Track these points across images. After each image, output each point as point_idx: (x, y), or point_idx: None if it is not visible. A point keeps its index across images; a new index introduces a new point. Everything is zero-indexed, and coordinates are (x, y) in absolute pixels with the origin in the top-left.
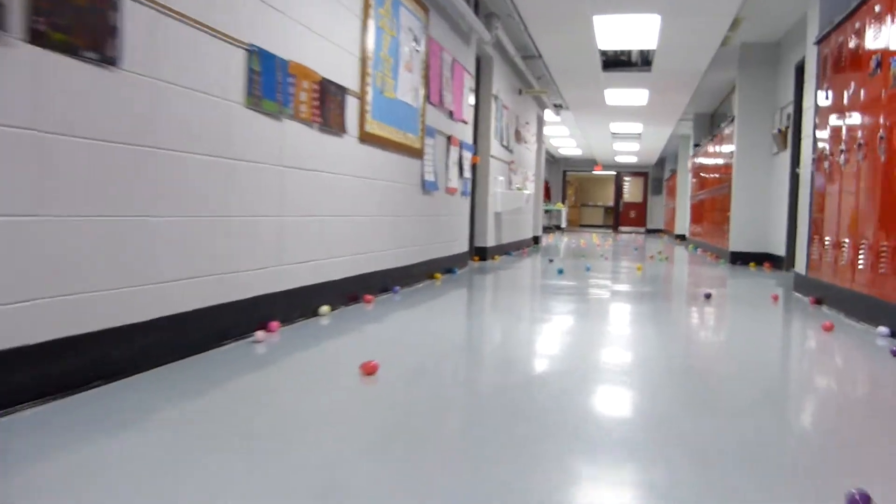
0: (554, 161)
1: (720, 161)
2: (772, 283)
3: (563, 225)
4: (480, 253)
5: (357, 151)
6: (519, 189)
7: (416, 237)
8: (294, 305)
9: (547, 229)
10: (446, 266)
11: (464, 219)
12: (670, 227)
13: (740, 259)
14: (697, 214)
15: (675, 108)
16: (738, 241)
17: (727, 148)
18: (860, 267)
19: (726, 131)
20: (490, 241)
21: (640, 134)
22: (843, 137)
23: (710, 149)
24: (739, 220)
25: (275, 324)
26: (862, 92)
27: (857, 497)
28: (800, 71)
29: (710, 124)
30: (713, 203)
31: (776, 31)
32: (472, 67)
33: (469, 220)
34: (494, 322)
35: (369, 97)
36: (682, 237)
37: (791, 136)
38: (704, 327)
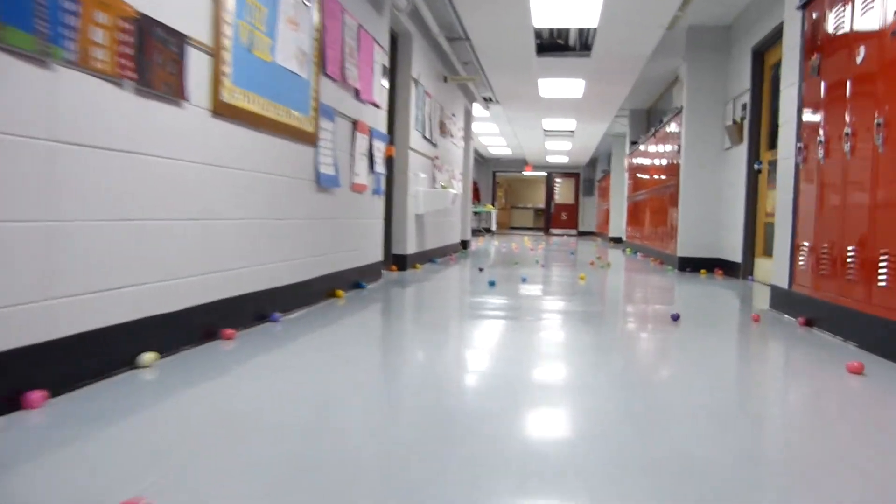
0: (483, 161)
1: (663, 159)
2: (731, 294)
3: (493, 227)
4: (399, 262)
5: (210, 129)
6: (444, 187)
7: (309, 246)
8: (84, 358)
9: (476, 232)
10: (353, 280)
11: (376, 222)
12: (603, 229)
13: (689, 265)
14: (635, 216)
15: (613, 102)
16: (686, 245)
17: (670, 144)
18: (881, 283)
19: (671, 127)
20: (410, 248)
21: (573, 131)
22: (848, 119)
23: (650, 146)
24: (688, 222)
25: (37, 395)
26: (872, 59)
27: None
28: (758, 55)
29: (647, 121)
30: (655, 204)
31: (728, 13)
32: (385, 41)
33: (385, 224)
34: (402, 368)
35: (228, 54)
36: (617, 240)
37: (748, 129)
38: (689, 374)
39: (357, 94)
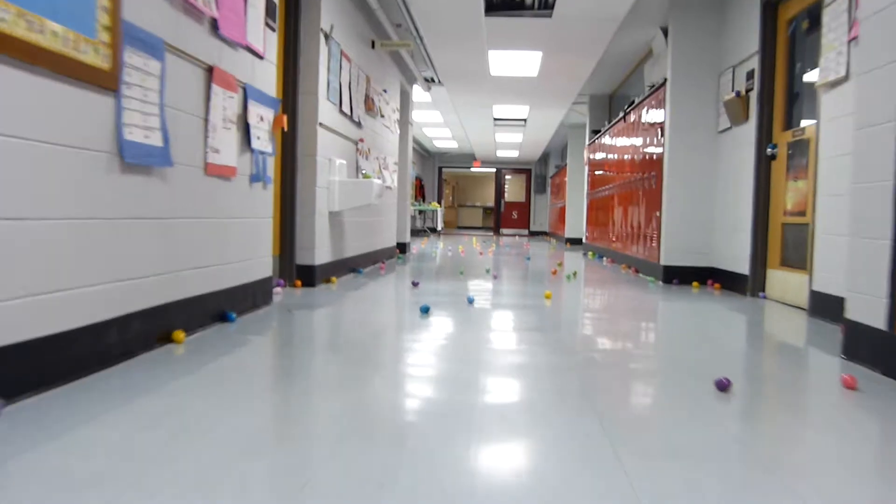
0: (429, 156)
1: (637, 146)
2: (752, 322)
3: (440, 227)
4: (305, 275)
5: None
6: (366, 176)
7: (107, 264)
8: None
9: (420, 233)
10: (217, 310)
11: (260, 222)
12: (558, 229)
13: (676, 276)
14: (598, 215)
15: (573, 81)
16: (672, 251)
17: (648, 128)
18: None
19: (648, 107)
20: (321, 257)
21: (525, 121)
22: None
23: (618, 133)
24: (673, 223)
25: None
26: None
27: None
28: (769, 8)
29: (609, 108)
30: (626, 200)
31: None
32: None
33: (284, 226)
34: None
35: None
36: (575, 241)
37: (757, 103)
38: None
39: (215, 26)
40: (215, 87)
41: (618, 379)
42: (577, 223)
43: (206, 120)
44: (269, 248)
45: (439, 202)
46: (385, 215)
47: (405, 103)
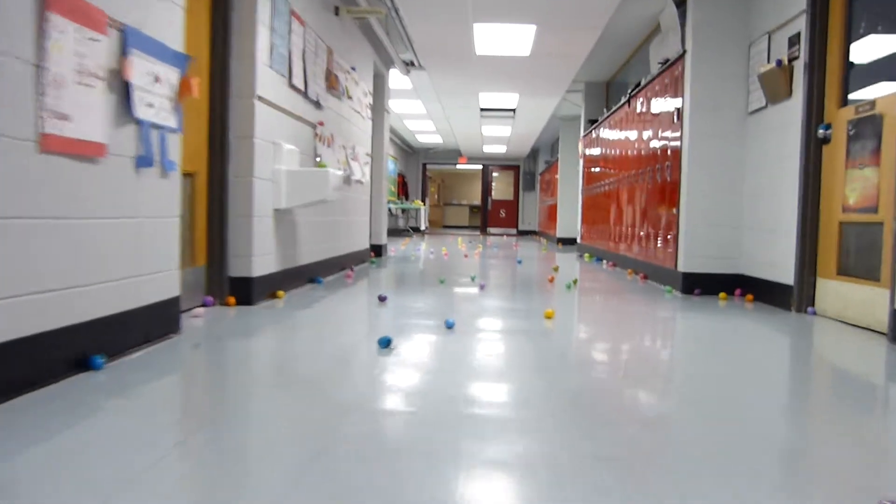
0: (412, 152)
1: (646, 132)
2: (803, 346)
3: (423, 227)
4: (240, 290)
5: None
6: (321, 165)
7: None
8: None
9: (402, 232)
10: (72, 354)
11: (157, 224)
12: (548, 228)
13: (698, 285)
14: (596, 213)
15: (569, 63)
16: (693, 256)
17: (660, 110)
18: None
19: (662, 93)
20: (263, 266)
21: (514, 111)
22: None
23: (621, 119)
24: (695, 222)
25: None
26: None
27: None
28: None
29: (606, 97)
30: (632, 196)
31: None
32: None
33: (210, 227)
34: None
35: None
36: (568, 242)
37: (804, 74)
38: None
39: None
40: (56, 19)
41: (682, 479)
42: (570, 222)
43: (42, 68)
44: (175, 259)
45: (423, 200)
46: (354, 214)
47: (380, 88)
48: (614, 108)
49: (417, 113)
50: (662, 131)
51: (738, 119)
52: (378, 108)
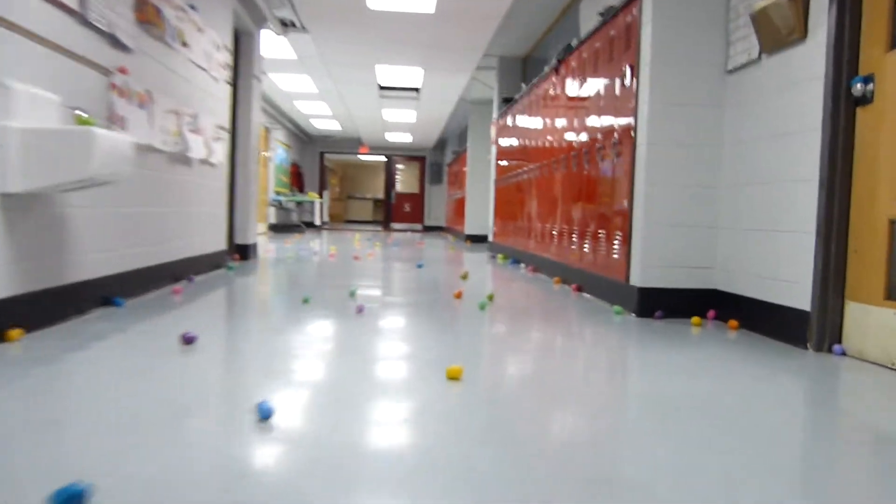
0: (308, 140)
1: (579, 104)
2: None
3: (318, 221)
4: None
5: None
6: (82, 121)
7: None
8: None
9: (294, 228)
10: None
11: None
12: (456, 223)
13: (660, 304)
14: (511, 208)
15: (481, 26)
16: (652, 265)
17: (603, 73)
18: None
19: (606, 51)
20: None
21: (418, 91)
22: None
23: (543, 96)
24: (654, 219)
25: None
26: None
27: None
28: None
29: (524, 74)
30: (561, 186)
31: None
32: None
33: None
34: None
35: None
36: (478, 239)
37: (834, 3)
38: None
39: None
40: None
41: None
42: (479, 218)
43: None
44: None
45: (321, 193)
46: (199, 205)
47: (247, 49)
48: (537, 79)
49: (308, 92)
50: (606, 102)
51: (713, 80)
52: (245, 73)
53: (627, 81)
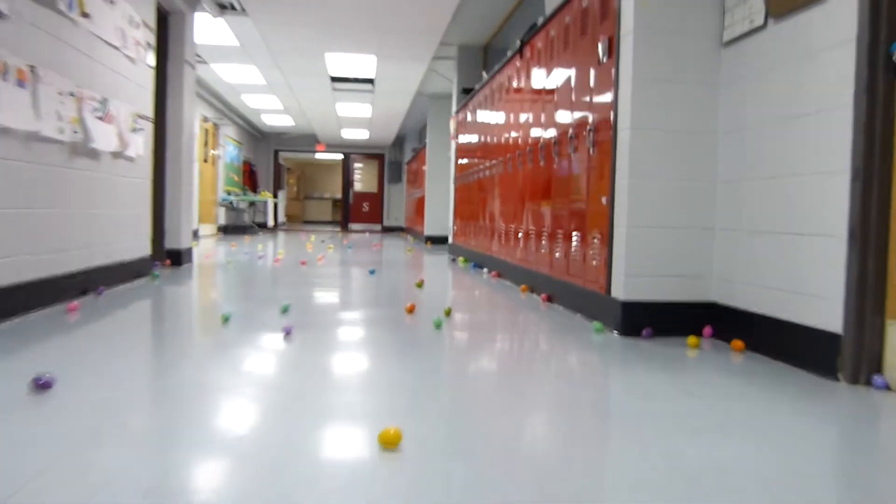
0: (261, 137)
1: (547, 87)
2: None
3: (271, 223)
4: None
5: None
6: None
7: None
8: None
9: (246, 229)
10: None
11: None
12: (415, 223)
13: (648, 319)
14: (472, 207)
15: (439, 7)
16: (637, 273)
17: (569, 58)
18: None
19: (580, 25)
20: None
21: (372, 82)
22: None
23: (506, 84)
24: (639, 219)
25: None
26: None
27: None
28: None
29: (484, 63)
30: (521, 183)
31: None
32: None
33: None
34: None
35: None
36: (437, 240)
37: None
38: None
39: None
40: None
41: None
42: (439, 218)
43: None
44: None
45: (275, 193)
46: (110, 205)
47: (177, 30)
48: (499, 66)
49: (255, 83)
50: (579, 84)
51: (706, 53)
52: (175, 57)
53: (604, 57)
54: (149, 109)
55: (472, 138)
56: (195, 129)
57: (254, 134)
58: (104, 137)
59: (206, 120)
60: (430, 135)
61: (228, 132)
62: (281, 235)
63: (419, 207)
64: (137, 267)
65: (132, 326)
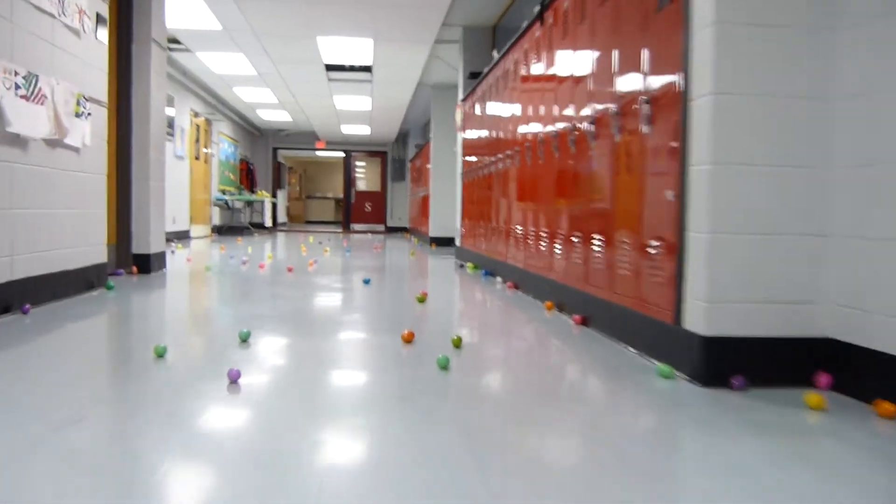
0: (259, 134)
1: (580, 58)
2: None
3: (270, 223)
4: None
5: None
6: None
7: None
8: None
9: (240, 230)
10: None
11: None
12: (420, 224)
13: (739, 363)
14: (483, 206)
15: None
16: (725, 298)
17: (610, 14)
18: None
19: None
20: None
21: (370, 70)
22: None
23: (528, 50)
24: (726, 222)
25: None
26: None
27: None
28: None
29: (493, 44)
30: (546, 176)
31: None
32: None
33: None
34: None
35: None
36: (444, 242)
37: None
38: None
39: None
40: None
41: None
42: (446, 218)
43: None
44: None
45: (274, 192)
46: (44, 204)
47: (142, 6)
48: (515, 39)
49: (246, 75)
50: (627, 46)
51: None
52: (140, 36)
53: (665, 2)
54: (101, 92)
55: (482, 127)
56: (164, 117)
57: (251, 131)
58: (29, 120)
59: (196, 115)
60: (434, 129)
61: (223, 129)
62: (278, 236)
63: (423, 207)
64: (88, 276)
65: (35, 362)
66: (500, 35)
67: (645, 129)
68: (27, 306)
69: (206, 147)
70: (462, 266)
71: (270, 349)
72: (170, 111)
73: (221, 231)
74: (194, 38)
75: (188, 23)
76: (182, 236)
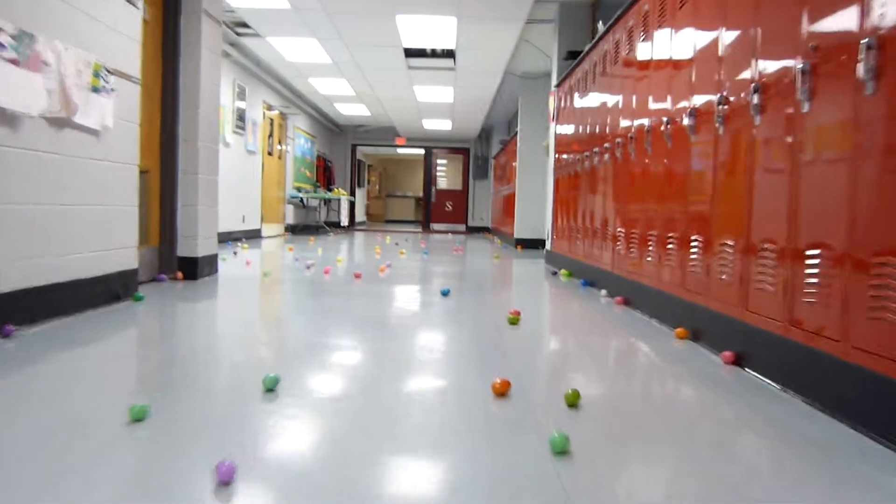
0: (338, 130)
1: (731, 17)
2: None
3: (346, 222)
4: None
5: None
6: None
7: None
8: None
9: (315, 229)
10: None
11: None
12: (504, 224)
13: None
14: (579, 203)
15: None
16: None
17: None
18: None
19: None
20: None
21: (453, 56)
22: None
23: (638, 22)
24: None
25: None
26: None
27: None
28: None
29: (592, 22)
30: (670, 163)
31: None
32: None
33: None
34: None
35: None
36: (530, 244)
37: None
38: None
39: None
40: None
41: None
42: (533, 218)
43: None
44: None
45: (352, 190)
46: (52, 199)
47: None
48: (627, 4)
49: (319, 62)
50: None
51: None
52: (190, 8)
53: None
54: (131, 65)
55: (582, 115)
56: (217, 101)
57: (329, 127)
58: (17, 91)
59: (270, 108)
60: (521, 122)
61: (299, 123)
62: (354, 236)
63: (508, 206)
64: (111, 286)
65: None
66: (601, 12)
67: (871, 86)
68: (10, 327)
69: (280, 143)
70: (555, 273)
71: (301, 405)
72: (240, 103)
73: (295, 230)
74: (261, 18)
75: (252, 1)
76: (253, 235)
